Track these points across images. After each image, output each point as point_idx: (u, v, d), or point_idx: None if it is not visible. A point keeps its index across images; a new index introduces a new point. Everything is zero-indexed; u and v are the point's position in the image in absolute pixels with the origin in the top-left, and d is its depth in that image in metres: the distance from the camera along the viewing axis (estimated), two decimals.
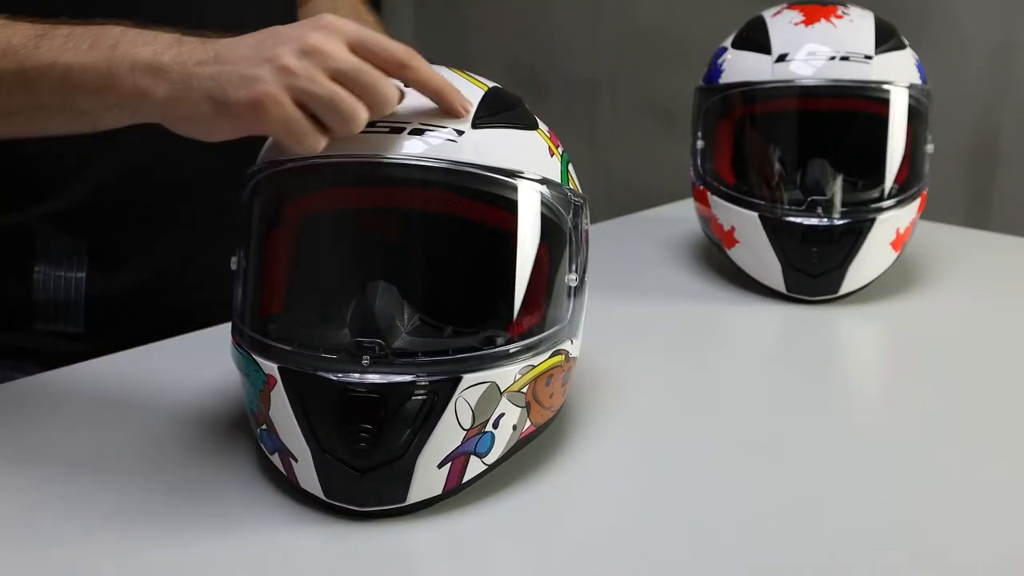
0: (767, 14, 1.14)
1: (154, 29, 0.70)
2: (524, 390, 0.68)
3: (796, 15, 1.10)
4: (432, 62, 0.79)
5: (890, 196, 1.07)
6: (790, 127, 1.10)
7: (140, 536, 0.65)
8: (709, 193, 1.12)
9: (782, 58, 1.07)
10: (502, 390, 0.66)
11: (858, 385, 0.95)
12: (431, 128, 0.68)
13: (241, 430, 0.77)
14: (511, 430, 0.69)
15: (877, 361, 1.02)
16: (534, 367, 0.68)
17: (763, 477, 0.73)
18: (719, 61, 1.13)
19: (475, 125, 0.69)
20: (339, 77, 0.65)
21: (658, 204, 1.49)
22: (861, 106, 1.07)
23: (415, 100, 0.70)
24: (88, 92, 0.69)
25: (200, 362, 0.88)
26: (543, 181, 0.70)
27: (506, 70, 2.71)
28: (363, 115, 0.65)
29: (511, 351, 0.67)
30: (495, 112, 0.71)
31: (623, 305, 1.06)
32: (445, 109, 0.69)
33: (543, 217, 0.70)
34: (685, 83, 1.26)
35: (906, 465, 0.76)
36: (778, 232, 1.06)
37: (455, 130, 0.68)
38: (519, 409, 0.68)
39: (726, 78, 1.11)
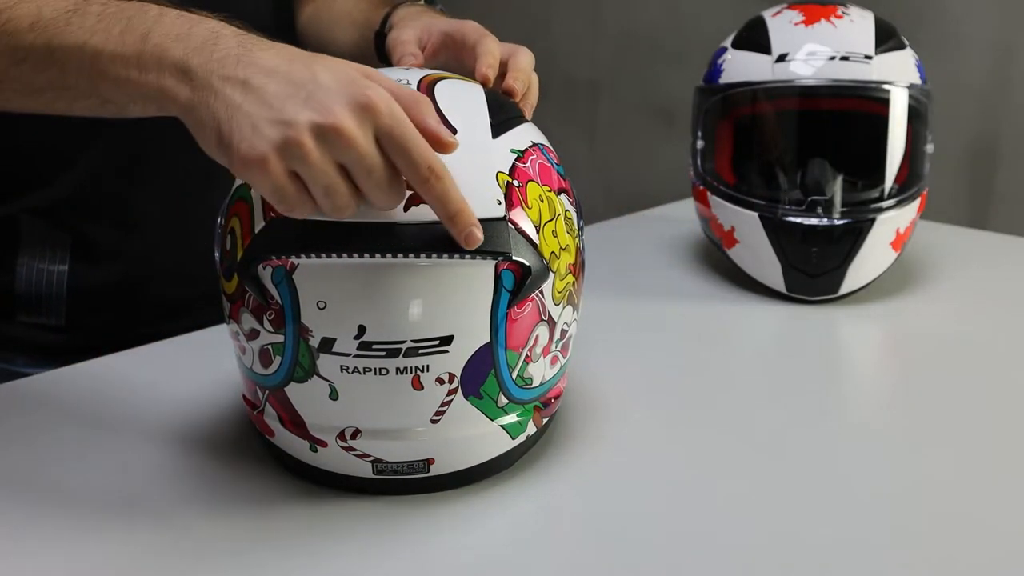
0: (767, 14, 1.14)
1: (195, 11, 0.65)
2: None
3: (796, 15, 1.10)
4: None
5: (890, 196, 1.07)
6: (790, 127, 1.10)
7: (143, 537, 0.65)
8: (709, 193, 1.12)
9: (782, 58, 1.07)
10: None
11: (858, 385, 0.95)
12: None
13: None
14: None
15: (877, 361, 1.02)
16: None
17: (763, 477, 0.73)
18: (719, 61, 1.13)
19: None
20: (349, 168, 0.60)
21: (658, 204, 1.49)
22: (861, 106, 1.07)
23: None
24: (114, 82, 0.65)
25: (201, 362, 0.88)
26: None
27: None
28: (352, 211, 0.61)
29: None
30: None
31: (623, 305, 1.06)
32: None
33: None
34: (685, 83, 1.26)
35: (906, 464, 0.76)
36: (778, 232, 1.06)
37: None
38: None
39: (726, 78, 1.11)
